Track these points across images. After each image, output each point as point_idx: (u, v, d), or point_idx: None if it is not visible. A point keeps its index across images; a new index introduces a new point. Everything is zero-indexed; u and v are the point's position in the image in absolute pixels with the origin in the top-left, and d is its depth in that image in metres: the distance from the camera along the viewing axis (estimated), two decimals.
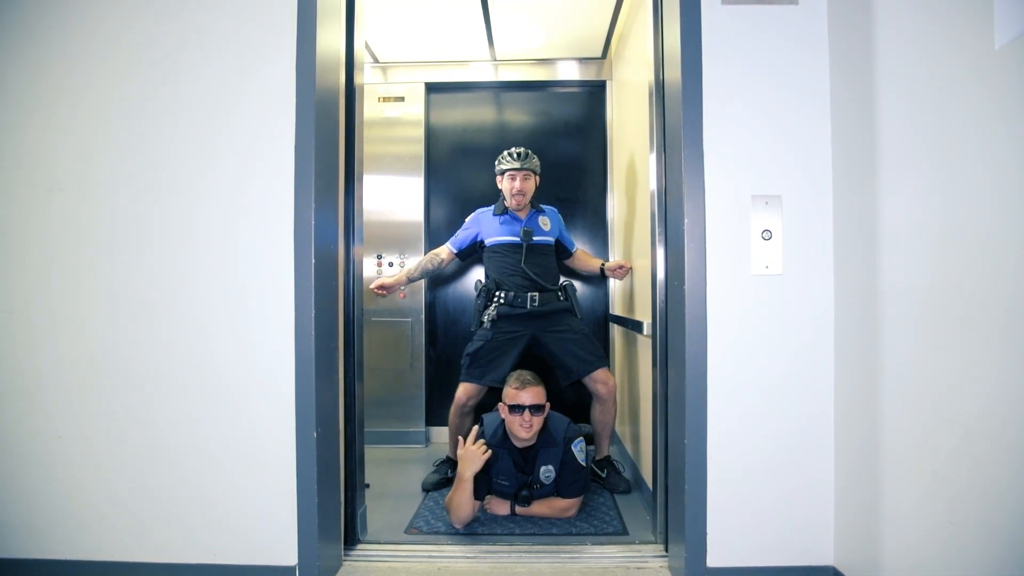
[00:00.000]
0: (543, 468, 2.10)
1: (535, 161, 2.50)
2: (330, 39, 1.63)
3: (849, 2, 1.43)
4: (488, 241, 2.53)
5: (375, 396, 3.05)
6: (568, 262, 2.74)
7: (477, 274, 3.23)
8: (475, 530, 1.98)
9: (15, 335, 1.58)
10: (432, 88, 3.33)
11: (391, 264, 3.24)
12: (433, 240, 3.30)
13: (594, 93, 3.34)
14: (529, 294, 2.41)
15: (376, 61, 3.27)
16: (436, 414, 3.26)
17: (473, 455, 1.97)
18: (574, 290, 2.54)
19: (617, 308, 3.03)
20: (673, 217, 1.64)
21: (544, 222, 2.54)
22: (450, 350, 3.31)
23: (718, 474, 1.51)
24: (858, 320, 1.40)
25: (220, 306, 1.55)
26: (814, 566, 1.51)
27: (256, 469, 1.54)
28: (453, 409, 2.45)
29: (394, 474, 2.67)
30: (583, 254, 2.79)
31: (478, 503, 2.02)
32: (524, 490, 2.08)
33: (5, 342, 1.58)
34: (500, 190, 2.54)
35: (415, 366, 3.23)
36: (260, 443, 1.54)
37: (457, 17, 2.78)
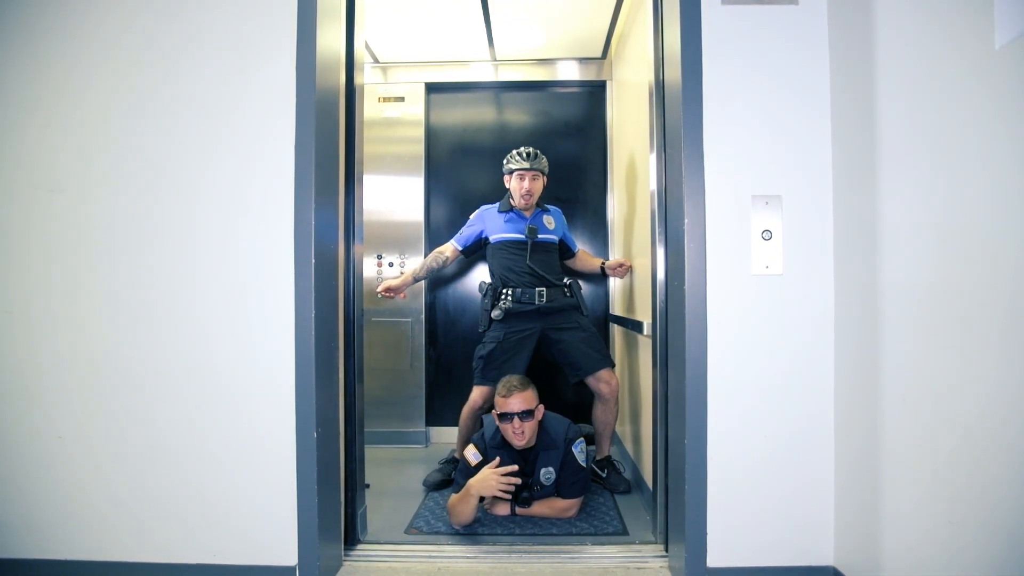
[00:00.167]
0: (543, 469, 2.10)
1: (544, 161, 2.51)
2: (330, 39, 1.63)
3: (849, 2, 1.43)
4: (493, 238, 2.53)
5: (375, 396, 3.05)
6: (570, 262, 2.75)
7: (478, 274, 3.24)
8: (475, 530, 1.98)
9: (15, 335, 1.58)
10: (432, 88, 3.33)
11: (391, 264, 3.24)
12: (433, 240, 3.30)
13: (594, 93, 3.34)
14: (537, 290, 2.42)
15: (376, 61, 3.27)
16: (436, 414, 3.26)
17: (491, 483, 1.94)
18: (579, 287, 2.55)
19: (617, 308, 3.03)
20: (673, 217, 1.64)
21: (549, 221, 2.55)
22: (450, 350, 3.31)
23: (718, 474, 1.51)
24: (858, 320, 1.40)
25: (220, 306, 1.55)
26: (814, 566, 1.51)
27: (256, 469, 1.54)
28: (466, 411, 2.45)
29: (394, 474, 2.67)
30: (584, 254, 2.81)
31: (479, 505, 2.02)
32: (524, 491, 2.08)
33: (5, 342, 1.58)
34: (506, 188, 2.54)
35: (415, 366, 3.23)
36: (260, 443, 1.54)
37: (457, 17, 2.78)
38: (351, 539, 1.77)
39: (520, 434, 2.05)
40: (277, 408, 1.53)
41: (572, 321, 2.46)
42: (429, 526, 2.04)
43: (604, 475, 2.45)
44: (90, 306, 1.57)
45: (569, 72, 3.33)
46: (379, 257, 3.24)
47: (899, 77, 1.25)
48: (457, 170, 3.35)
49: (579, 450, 2.10)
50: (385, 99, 3.28)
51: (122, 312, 1.56)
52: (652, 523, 1.94)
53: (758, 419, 1.52)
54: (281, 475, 1.53)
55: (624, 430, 2.84)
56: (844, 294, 1.47)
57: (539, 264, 2.44)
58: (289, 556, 1.53)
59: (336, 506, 1.65)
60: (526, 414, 2.06)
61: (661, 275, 1.79)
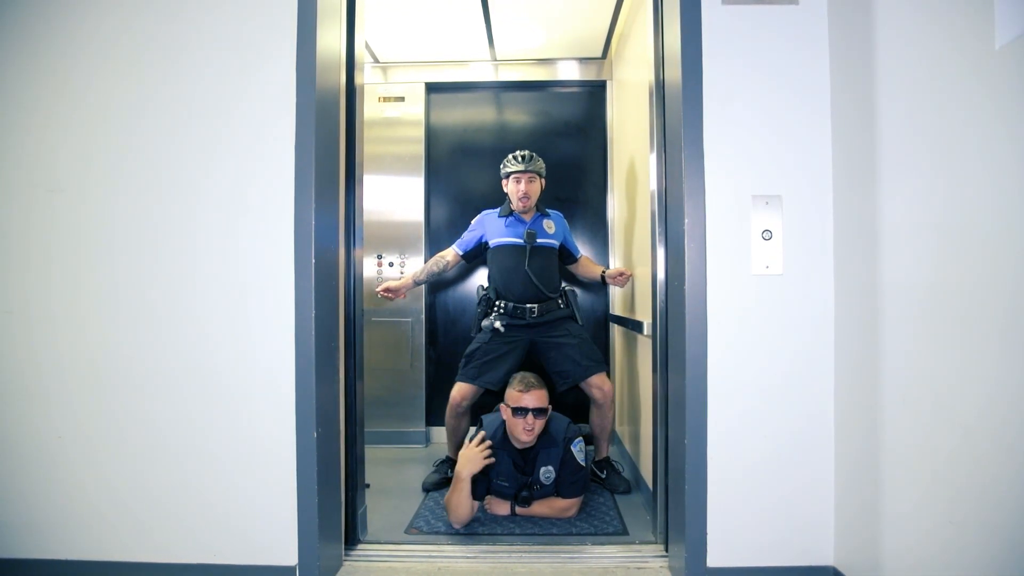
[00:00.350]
0: (543, 468, 2.10)
1: (540, 164, 2.50)
2: (330, 39, 1.63)
3: (849, 2, 1.43)
4: (492, 242, 2.53)
5: (375, 396, 3.05)
6: (572, 268, 2.73)
7: (479, 276, 3.24)
8: (475, 530, 1.98)
9: (15, 335, 1.58)
10: (432, 88, 3.33)
11: (391, 264, 3.24)
12: (433, 240, 3.30)
13: (594, 93, 3.33)
14: (528, 306, 2.42)
15: (376, 61, 3.27)
16: (436, 414, 3.25)
17: (473, 456, 1.97)
18: (575, 296, 2.54)
19: (617, 308, 3.04)
20: (673, 217, 1.64)
21: (549, 226, 2.53)
22: (450, 350, 3.31)
23: (718, 474, 1.51)
24: (858, 320, 1.40)
25: (220, 306, 1.55)
26: (814, 566, 1.51)
27: (256, 469, 1.54)
28: (448, 410, 2.46)
29: (394, 474, 2.67)
30: (587, 260, 2.76)
31: (477, 503, 2.02)
32: (524, 490, 2.08)
33: (5, 342, 1.58)
34: (505, 192, 2.54)
35: (415, 366, 3.23)
36: (260, 443, 1.54)
37: (457, 17, 2.78)
38: (351, 539, 1.77)
39: (531, 430, 2.05)
40: (277, 408, 1.53)
41: (562, 330, 2.44)
42: (429, 526, 2.04)
43: (603, 476, 2.45)
44: (90, 306, 1.57)
45: (569, 72, 3.33)
46: (379, 257, 3.24)
47: (899, 77, 1.25)
48: (457, 170, 3.35)
49: (578, 449, 2.10)
50: (385, 99, 3.28)
51: (122, 312, 1.56)
52: (652, 523, 1.94)
53: (758, 419, 1.52)
54: (281, 475, 1.53)
55: (624, 430, 2.84)
56: (844, 294, 1.47)
57: (537, 270, 2.43)
58: (289, 556, 1.53)
59: (336, 506, 1.65)
60: (540, 411, 2.07)
61: (661, 275, 1.79)
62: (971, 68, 1.04)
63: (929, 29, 1.16)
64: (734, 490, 1.51)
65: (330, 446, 1.60)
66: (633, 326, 2.44)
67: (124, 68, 1.57)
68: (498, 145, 3.17)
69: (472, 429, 2.18)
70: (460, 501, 1.96)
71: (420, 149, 3.27)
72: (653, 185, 1.90)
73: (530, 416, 2.05)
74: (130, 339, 1.56)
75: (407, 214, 3.26)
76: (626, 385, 2.76)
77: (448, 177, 3.35)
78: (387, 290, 2.51)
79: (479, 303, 2.52)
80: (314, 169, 1.53)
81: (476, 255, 2.63)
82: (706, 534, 1.51)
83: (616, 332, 3.11)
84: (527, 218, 2.51)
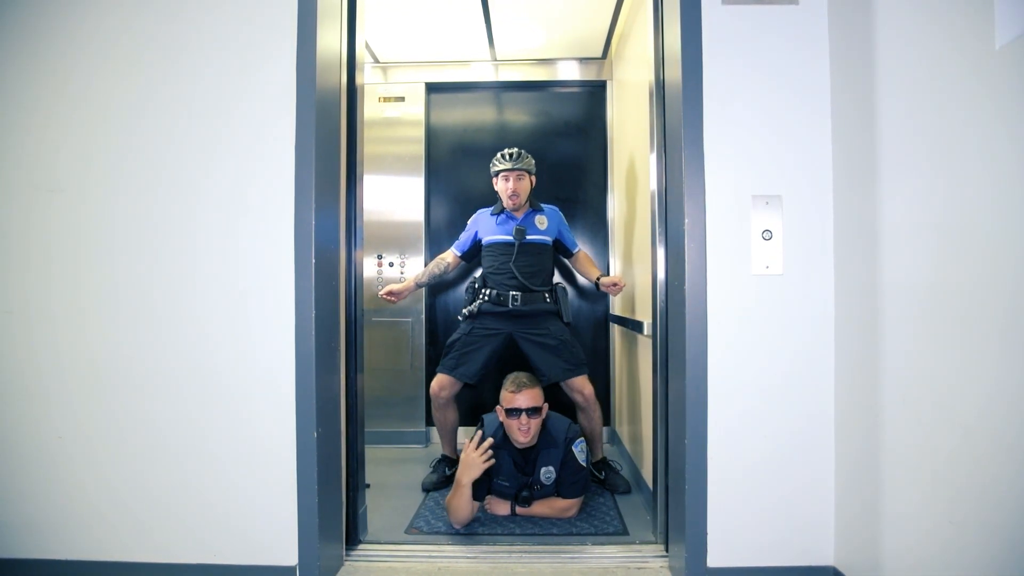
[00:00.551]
0: (543, 469, 2.10)
1: (529, 161, 2.49)
2: (330, 39, 1.63)
3: (849, 2, 1.43)
4: (484, 240, 2.54)
5: (375, 396, 3.05)
6: (571, 263, 2.73)
7: (479, 273, 3.24)
8: (475, 530, 1.98)
9: (15, 335, 1.58)
10: (432, 88, 3.34)
11: (391, 264, 3.24)
12: (433, 240, 3.30)
13: (594, 93, 3.34)
14: (511, 293, 2.41)
15: (376, 61, 3.27)
16: None
17: (473, 462, 1.96)
18: (565, 293, 2.52)
19: (617, 308, 3.04)
20: (673, 217, 1.64)
21: (541, 221, 2.52)
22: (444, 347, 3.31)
23: (718, 474, 1.51)
24: (858, 320, 1.40)
25: (220, 306, 1.55)
26: (814, 566, 1.51)
27: (256, 469, 1.54)
28: (431, 403, 2.48)
29: (394, 474, 2.67)
30: (585, 258, 2.70)
31: (477, 504, 2.02)
32: (524, 491, 2.08)
33: (5, 342, 1.58)
34: (496, 191, 2.53)
35: (415, 366, 3.23)
36: (260, 443, 1.54)
37: (457, 17, 2.78)
38: (352, 538, 1.77)
39: (526, 431, 2.05)
40: (277, 408, 1.53)
41: (543, 328, 2.42)
42: (429, 526, 2.04)
43: (603, 477, 2.45)
44: (90, 306, 1.57)
45: (569, 72, 3.33)
46: (379, 257, 3.24)
47: (899, 77, 1.25)
48: (457, 170, 3.35)
49: (579, 449, 2.10)
50: (385, 99, 3.28)
51: (122, 312, 1.56)
52: (652, 523, 1.94)
53: (758, 419, 1.52)
54: (281, 475, 1.53)
55: (624, 430, 2.84)
56: (844, 294, 1.47)
57: (524, 266, 2.43)
58: (289, 556, 1.53)
59: (337, 506, 1.65)
60: (534, 411, 2.07)
61: (661, 275, 1.79)
62: (971, 68, 1.04)
63: (929, 29, 1.16)
64: (734, 490, 1.51)
65: (330, 446, 1.60)
66: (633, 326, 2.44)
67: (124, 68, 1.57)
68: (498, 145, 3.15)
69: (479, 433, 2.17)
70: (460, 504, 1.96)
71: (420, 149, 3.27)
72: (653, 185, 1.90)
73: (524, 416, 2.05)
74: (130, 339, 1.56)
75: (407, 214, 3.26)
76: (626, 385, 2.76)
77: (448, 177, 3.35)
78: (390, 293, 2.51)
79: (467, 291, 2.54)
80: (314, 169, 1.53)
81: (474, 255, 2.63)
82: (706, 534, 1.51)
83: (616, 332, 3.11)
84: (519, 215, 2.50)
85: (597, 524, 2.04)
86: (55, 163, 1.57)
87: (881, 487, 1.30)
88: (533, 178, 2.52)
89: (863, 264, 1.38)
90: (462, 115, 3.37)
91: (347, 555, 1.72)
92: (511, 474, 2.09)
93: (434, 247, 3.25)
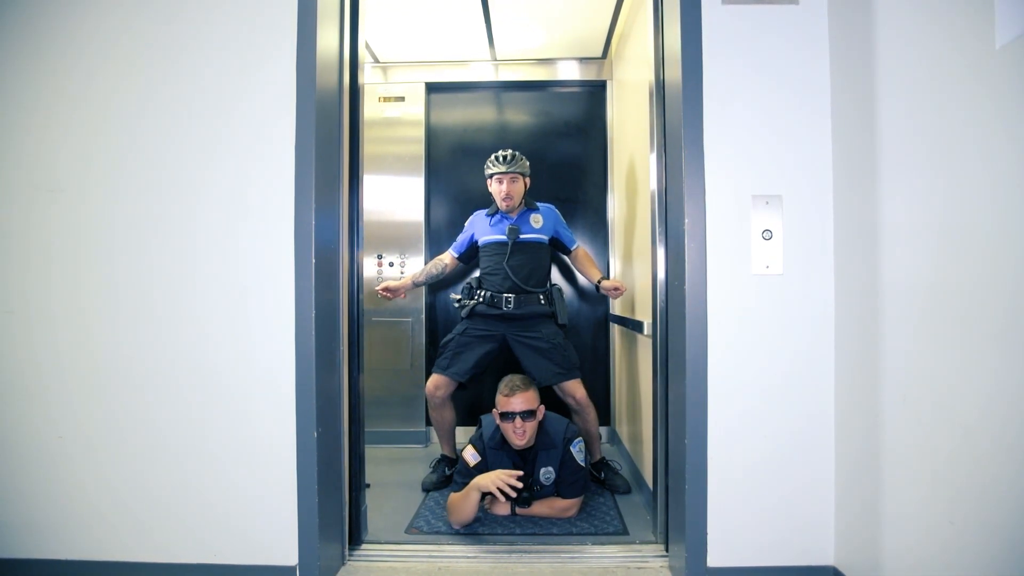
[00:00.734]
0: (543, 469, 2.10)
1: (523, 163, 2.49)
2: (331, 39, 1.63)
3: (849, 2, 1.43)
4: (480, 241, 2.55)
5: (375, 396, 3.05)
6: (570, 260, 2.73)
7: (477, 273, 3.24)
8: (476, 530, 1.98)
9: (15, 335, 1.58)
10: (432, 88, 3.33)
11: (391, 264, 3.24)
12: (433, 240, 3.30)
13: (594, 93, 3.33)
14: (505, 296, 2.42)
15: (376, 61, 3.27)
16: None
17: (496, 479, 1.94)
18: (560, 294, 2.51)
19: (617, 308, 3.03)
20: (673, 217, 1.64)
21: (536, 219, 2.51)
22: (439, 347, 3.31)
23: (718, 474, 1.51)
24: (858, 320, 1.40)
25: (220, 306, 1.55)
26: (815, 566, 1.51)
27: (256, 469, 1.54)
28: (427, 403, 2.50)
29: (394, 474, 2.67)
30: (585, 256, 2.67)
31: (479, 504, 2.02)
32: (524, 491, 2.08)
33: (5, 342, 1.58)
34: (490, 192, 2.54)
35: (415, 366, 3.23)
36: (260, 443, 1.54)
37: (457, 17, 2.78)
38: (355, 538, 1.77)
39: (521, 434, 2.05)
40: (277, 408, 1.53)
41: (535, 331, 2.42)
42: (429, 526, 2.04)
43: (602, 477, 2.45)
44: (90, 306, 1.57)
45: (569, 72, 3.33)
46: (379, 257, 3.24)
47: (899, 77, 1.25)
48: (457, 170, 3.35)
49: (578, 450, 2.10)
50: (385, 99, 3.28)
51: (122, 312, 1.56)
52: (652, 523, 1.94)
53: (758, 419, 1.52)
54: (281, 475, 1.53)
55: (624, 430, 2.84)
56: (844, 294, 1.47)
57: (518, 266, 2.43)
58: (289, 556, 1.53)
59: (337, 506, 1.65)
60: (528, 414, 2.06)
61: (661, 275, 1.79)
62: (971, 68, 1.04)
63: (929, 29, 1.16)
64: (734, 490, 1.52)
65: (331, 446, 1.60)
66: (633, 326, 2.44)
67: (124, 68, 1.57)
68: (498, 145, 3.14)
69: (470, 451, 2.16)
70: (467, 508, 1.96)
71: (420, 149, 3.27)
72: (653, 185, 1.90)
73: (518, 420, 2.04)
74: (130, 339, 1.56)
75: (407, 214, 3.26)
76: (626, 385, 2.76)
77: (448, 177, 3.35)
78: (386, 289, 2.52)
79: (462, 290, 2.55)
80: (314, 169, 1.53)
81: (472, 256, 2.62)
82: (706, 534, 1.51)
83: (616, 332, 3.11)
84: (513, 215, 2.51)
85: (597, 524, 2.04)
86: (55, 163, 1.57)
87: (881, 487, 1.30)
88: (527, 180, 2.53)
89: (863, 264, 1.38)
90: (462, 115, 3.37)
91: (350, 555, 1.72)
92: None
93: (434, 247, 3.25)
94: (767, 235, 1.51)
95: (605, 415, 3.08)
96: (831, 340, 1.51)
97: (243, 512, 1.55)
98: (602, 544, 1.85)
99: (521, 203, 2.51)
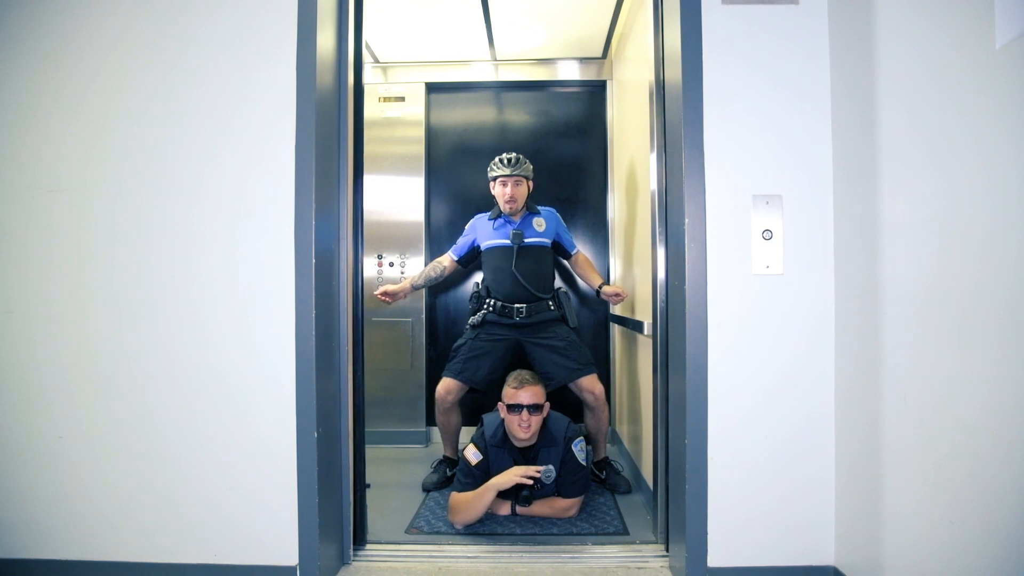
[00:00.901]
0: (544, 468, 2.10)
1: (527, 166, 2.49)
2: (331, 39, 1.63)
3: (849, 2, 1.43)
4: (483, 245, 2.54)
5: (376, 396, 3.05)
6: (570, 265, 2.73)
7: (479, 277, 3.23)
8: (476, 530, 1.98)
9: (15, 335, 1.58)
10: (432, 88, 3.34)
11: (391, 264, 3.24)
12: (433, 240, 3.30)
13: (594, 93, 3.34)
14: (516, 306, 2.42)
15: (376, 61, 3.27)
16: None
17: (514, 478, 1.97)
18: (568, 298, 2.52)
19: (618, 308, 3.03)
20: (674, 217, 1.64)
21: (539, 223, 2.52)
22: (451, 350, 3.30)
23: (719, 474, 1.51)
24: (859, 320, 1.40)
25: (220, 306, 1.55)
26: (815, 566, 1.51)
27: (257, 469, 1.54)
28: (437, 407, 2.48)
29: (394, 474, 2.67)
30: (585, 261, 2.66)
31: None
32: (525, 490, 2.08)
33: (5, 342, 1.58)
34: (493, 195, 2.54)
35: (415, 366, 3.23)
36: (261, 443, 1.54)
37: (457, 17, 2.78)
38: (360, 538, 1.77)
39: (527, 427, 2.05)
40: (278, 408, 1.53)
41: (550, 332, 2.43)
42: (430, 526, 2.04)
43: (603, 476, 2.45)
44: (90, 306, 1.57)
45: (569, 72, 3.33)
46: (379, 257, 3.24)
47: (899, 77, 1.25)
48: (457, 170, 3.35)
49: (579, 449, 2.10)
50: (385, 99, 3.28)
51: (122, 312, 1.56)
52: (653, 523, 1.95)
53: (759, 419, 1.52)
54: (281, 475, 1.53)
55: (624, 430, 2.84)
56: (844, 294, 1.47)
57: (525, 269, 2.43)
58: (289, 556, 1.53)
59: (336, 506, 1.65)
60: (535, 408, 2.07)
61: (661, 275, 1.79)
62: (971, 68, 1.04)
63: (929, 29, 1.16)
64: (735, 490, 1.51)
65: (331, 446, 1.60)
66: (633, 326, 2.44)
67: (124, 68, 1.57)
68: (498, 145, 3.17)
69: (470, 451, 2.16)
70: (477, 507, 1.96)
71: (420, 149, 3.27)
72: (653, 185, 1.90)
73: (525, 413, 2.05)
74: (130, 339, 1.56)
75: (407, 214, 3.26)
76: (626, 385, 2.76)
77: (448, 177, 3.35)
78: (385, 293, 2.51)
79: (471, 299, 2.55)
80: (314, 169, 1.53)
81: (471, 259, 2.62)
82: (707, 534, 1.51)
83: (616, 332, 3.11)
84: (516, 219, 2.51)
85: (597, 524, 2.04)
86: (55, 163, 1.57)
87: (881, 487, 1.30)
88: (531, 183, 2.53)
89: (863, 264, 1.38)
90: (462, 115, 3.37)
91: (355, 555, 1.72)
92: None
93: (434, 247, 3.25)
94: (767, 235, 1.51)
95: None
96: (831, 340, 1.51)
97: (243, 512, 1.55)
98: (602, 544, 1.85)
99: (523, 207, 2.51)
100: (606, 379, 3.21)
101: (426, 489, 2.44)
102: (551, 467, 2.09)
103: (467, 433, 2.64)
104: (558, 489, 2.10)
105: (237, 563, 1.54)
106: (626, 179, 2.77)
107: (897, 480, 1.25)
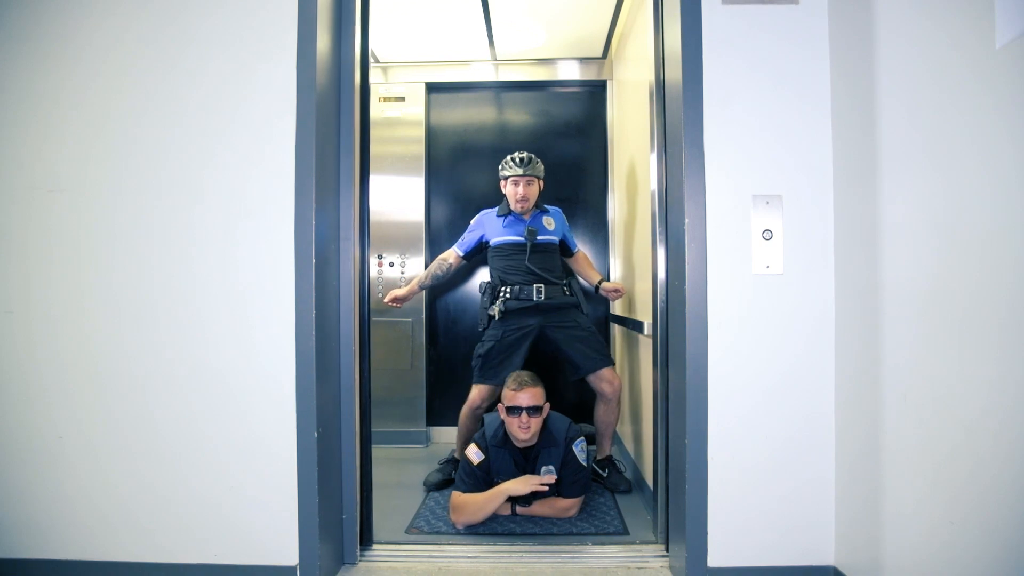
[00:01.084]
0: (544, 468, 2.10)
1: (539, 167, 2.51)
2: (332, 40, 1.63)
3: (849, 2, 1.43)
4: (493, 241, 2.54)
5: (376, 396, 3.01)
6: (570, 263, 2.74)
7: (480, 275, 3.24)
8: (476, 530, 1.98)
9: (15, 335, 1.58)
10: (433, 88, 3.34)
11: (392, 264, 3.24)
12: (433, 240, 3.30)
13: (595, 93, 3.34)
14: (535, 286, 2.42)
15: (376, 61, 3.27)
16: (437, 414, 3.26)
17: (526, 485, 1.98)
18: (579, 285, 2.56)
19: (618, 308, 3.03)
20: (674, 217, 1.64)
21: (548, 222, 2.54)
22: (451, 350, 3.31)
23: (719, 474, 1.51)
24: (859, 320, 1.40)
25: (221, 306, 1.55)
26: (815, 566, 1.51)
27: (257, 469, 1.54)
28: (465, 411, 2.45)
29: (394, 474, 2.67)
30: (584, 260, 2.75)
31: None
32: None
33: (5, 342, 1.58)
34: (503, 193, 2.54)
35: (416, 366, 3.23)
36: (261, 443, 1.54)
37: (458, 17, 2.78)
38: (366, 538, 1.77)
39: (526, 428, 2.05)
40: (278, 408, 1.53)
41: (571, 319, 2.46)
42: (430, 526, 2.04)
43: (605, 475, 2.45)
44: (90, 306, 1.57)
45: (569, 72, 3.33)
46: (380, 257, 3.24)
47: (899, 77, 1.25)
48: (458, 170, 3.35)
49: (580, 449, 2.10)
50: (385, 99, 3.28)
51: (123, 312, 1.56)
52: (653, 523, 1.94)
53: (759, 419, 1.52)
54: (281, 475, 1.53)
55: (624, 430, 2.84)
56: (844, 294, 1.47)
57: (538, 264, 2.45)
58: (290, 556, 1.53)
59: (336, 506, 1.65)
60: (534, 409, 2.07)
61: (662, 275, 1.79)
62: (971, 68, 1.04)
63: (929, 29, 1.16)
64: (735, 490, 1.51)
65: (331, 446, 1.60)
66: (633, 326, 2.44)
67: (124, 68, 1.57)
68: (499, 145, 3.17)
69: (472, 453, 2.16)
70: (486, 509, 1.97)
71: (420, 149, 3.27)
72: (653, 185, 1.90)
73: (524, 415, 2.05)
74: (130, 339, 1.56)
75: (407, 214, 3.26)
76: (627, 384, 2.76)
77: (448, 177, 3.35)
78: (394, 299, 2.52)
79: (483, 295, 2.51)
80: (314, 169, 1.52)
81: (476, 255, 2.63)
82: (707, 534, 1.51)
83: (616, 332, 3.11)
84: (526, 216, 2.51)
85: (598, 524, 2.04)
86: (55, 163, 1.57)
87: (881, 487, 1.30)
88: (542, 183, 2.54)
89: (863, 264, 1.38)
90: (462, 115, 3.37)
91: (362, 555, 1.72)
92: (511, 474, 2.09)
93: (434, 247, 3.25)
94: (767, 235, 1.51)
95: None
96: (831, 340, 1.51)
97: (243, 512, 1.55)
98: (602, 544, 1.85)
99: (534, 205, 2.52)
100: None
101: (428, 487, 2.44)
102: (551, 467, 2.09)
103: None
104: (558, 489, 2.10)
105: (237, 563, 1.54)
106: (626, 179, 2.77)
107: (897, 480, 1.25)
